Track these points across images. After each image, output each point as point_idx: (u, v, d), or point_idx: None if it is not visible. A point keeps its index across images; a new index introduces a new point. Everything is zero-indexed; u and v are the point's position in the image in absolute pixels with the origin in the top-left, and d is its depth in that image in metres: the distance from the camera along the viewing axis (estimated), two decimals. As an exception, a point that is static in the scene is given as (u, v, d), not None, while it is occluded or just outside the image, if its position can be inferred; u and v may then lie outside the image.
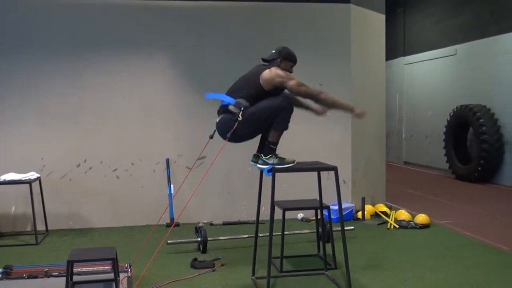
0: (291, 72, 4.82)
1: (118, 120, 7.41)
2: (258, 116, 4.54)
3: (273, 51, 4.83)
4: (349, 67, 7.89)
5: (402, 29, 15.36)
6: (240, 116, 4.49)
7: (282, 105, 4.55)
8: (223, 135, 4.71)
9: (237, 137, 4.66)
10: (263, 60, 4.85)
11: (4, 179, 6.56)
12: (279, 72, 4.61)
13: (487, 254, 5.89)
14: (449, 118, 12.21)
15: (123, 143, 7.42)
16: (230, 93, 4.73)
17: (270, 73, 4.60)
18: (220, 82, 7.58)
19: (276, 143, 4.68)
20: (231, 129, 4.53)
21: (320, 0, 7.80)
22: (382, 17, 8.69)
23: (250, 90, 4.61)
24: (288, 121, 4.67)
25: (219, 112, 4.77)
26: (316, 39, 7.85)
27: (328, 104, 4.71)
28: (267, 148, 4.67)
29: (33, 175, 6.74)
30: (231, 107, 4.58)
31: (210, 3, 7.56)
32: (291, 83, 4.60)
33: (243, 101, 4.57)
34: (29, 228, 7.20)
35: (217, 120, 4.76)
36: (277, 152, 4.71)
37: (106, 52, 7.36)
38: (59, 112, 7.27)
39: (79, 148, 7.33)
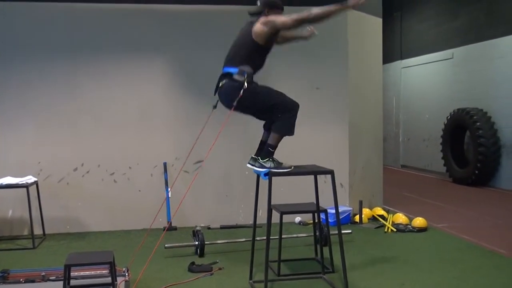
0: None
1: (115, 124, 7.41)
2: (266, 98, 4.54)
3: (258, 3, 4.76)
4: (346, 70, 7.90)
5: (399, 32, 15.39)
6: (246, 84, 4.46)
7: (292, 105, 4.56)
8: (229, 103, 4.63)
9: (243, 107, 4.60)
10: (250, 14, 4.76)
11: (1, 183, 6.55)
12: (266, 18, 4.54)
13: (484, 257, 5.90)
14: (446, 122, 12.23)
15: (121, 147, 7.42)
16: (227, 61, 4.69)
17: (260, 25, 4.55)
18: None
19: (275, 147, 4.67)
20: (236, 97, 4.46)
21: (317, 3, 7.79)
22: (379, 20, 8.71)
23: (247, 51, 4.55)
24: (293, 126, 4.65)
25: (220, 81, 4.70)
26: (313, 43, 7.80)
27: (323, 17, 4.55)
28: (265, 151, 4.66)
29: (30, 179, 6.73)
30: (235, 76, 4.54)
31: (208, 6, 7.57)
32: (282, 19, 4.50)
33: (246, 68, 4.53)
34: (26, 232, 7.18)
35: (219, 87, 4.68)
36: (275, 154, 4.72)
37: (103, 55, 7.36)
38: (56, 116, 7.27)
39: (76, 152, 7.32)
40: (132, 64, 7.43)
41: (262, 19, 4.58)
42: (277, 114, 4.56)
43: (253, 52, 4.52)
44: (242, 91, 4.46)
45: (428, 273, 5.32)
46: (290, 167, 4.68)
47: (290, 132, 4.68)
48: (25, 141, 7.21)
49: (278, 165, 4.64)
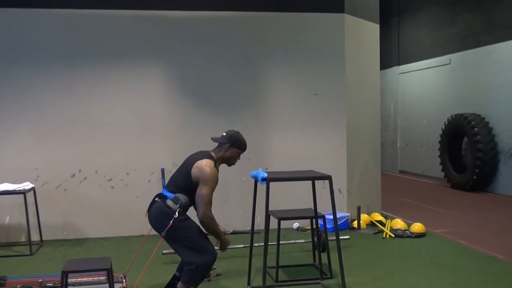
0: (238, 159, 4.66)
1: (112, 130, 7.40)
2: (185, 236, 4.30)
3: (224, 133, 4.62)
4: (344, 76, 7.91)
5: (396, 38, 15.43)
6: (177, 213, 4.26)
7: (202, 259, 4.25)
8: (157, 228, 4.38)
9: (169, 237, 4.32)
10: (212, 139, 4.63)
11: (-1, 190, 6.55)
12: (202, 175, 4.32)
13: (483, 263, 5.90)
14: (443, 127, 12.25)
15: (118, 153, 7.41)
16: (168, 184, 4.51)
17: (196, 171, 4.33)
18: (214, 92, 7.67)
19: None
20: (166, 226, 4.25)
21: (314, 9, 7.84)
22: (376, 26, 8.74)
23: (187, 182, 4.35)
24: (196, 281, 4.33)
25: (154, 200, 4.46)
26: (310, 49, 7.88)
27: (209, 230, 4.42)
28: None
29: (27, 185, 6.72)
30: (168, 202, 4.33)
31: (204, 13, 7.58)
32: (204, 193, 4.30)
33: (182, 197, 4.35)
34: (23, 239, 7.16)
35: (150, 207, 4.45)
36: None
37: (100, 62, 7.36)
38: (53, 122, 7.26)
39: (74, 158, 7.31)
40: (129, 70, 7.43)
41: (206, 166, 4.35)
42: (187, 259, 4.32)
43: (192, 187, 4.35)
44: (172, 220, 4.24)
45: (426, 278, 5.31)
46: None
47: (196, 282, 4.35)
48: (23, 148, 7.19)
49: None
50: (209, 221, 4.34)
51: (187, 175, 4.37)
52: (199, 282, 4.39)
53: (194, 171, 4.34)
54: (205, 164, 4.34)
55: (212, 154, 4.52)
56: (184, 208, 4.38)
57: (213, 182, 4.35)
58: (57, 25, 7.25)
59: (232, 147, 4.55)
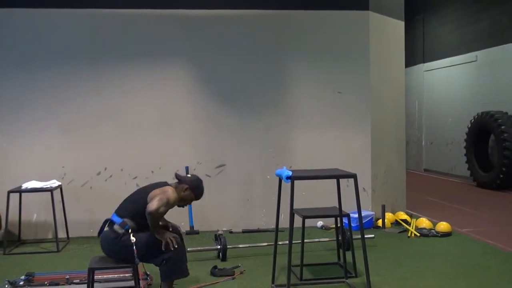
0: (189, 204, 4.70)
1: (137, 129, 7.47)
2: (140, 243, 4.29)
3: (189, 175, 4.70)
4: (368, 74, 7.86)
5: (421, 35, 15.28)
6: (122, 237, 4.26)
7: (171, 252, 4.30)
8: (108, 253, 4.39)
9: (144, 256, 4.34)
10: (176, 175, 4.64)
11: (26, 187, 6.65)
12: (164, 196, 4.33)
13: (510, 263, 5.81)
14: (469, 125, 12.10)
15: (143, 151, 7.46)
16: (117, 209, 4.51)
17: (160, 190, 4.40)
18: (238, 90, 7.68)
19: None
20: (113, 248, 4.29)
21: (339, 7, 7.80)
22: (401, 24, 8.65)
23: (138, 209, 4.35)
24: (180, 268, 4.42)
25: (104, 224, 4.49)
26: (335, 46, 7.84)
27: (151, 224, 4.32)
28: None
29: (54, 183, 6.82)
30: (115, 227, 4.33)
31: (228, 11, 7.59)
32: (157, 204, 4.26)
33: (129, 222, 4.33)
34: (50, 236, 7.27)
35: (101, 231, 4.47)
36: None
37: (125, 61, 7.42)
38: (80, 121, 7.35)
39: (100, 156, 7.38)
40: (154, 69, 7.48)
41: (168, 188, 4.43)
42: (157, 262, 4.35)
43: (142, 214, 4.31)
44: (134, 246, 4.22)
45: (452, 278, 5.25)
46: None
47: (174, 276, 4.44)
48: (50, 146, 7.30)
49: None
50: (159, 216, 4.32)
51: (142, 199, 4.36)
52: (178, 274, 4.42)
53: (153, 192, 4.36)
54: (168, 190, 4.41)
55: (171, 186, 4.52)
56: (129, 232, 4.32)
57: (172, 201, 4.36)
58: (83, 25, 7.33)
59: (189, 190, 4.53)
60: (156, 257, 4.32)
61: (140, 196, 4.44)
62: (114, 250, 4.33)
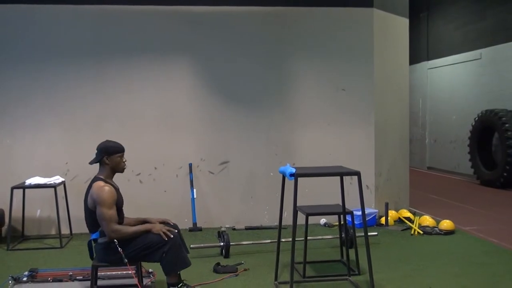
0: (124, 160, 4.54)
1: (141, 125, 7.47)
2: (143, 247, 4.27)
3: (96, 151, 4.53)
4: (372, 72, 7.84)
5: (425, 33, 15.24)
6: (110, 244, 4.21)
7: (168, 244, 4.25)
8: (108, 262, 4.37)
9: (129, 257, 4.25)
10: (90, 163, 4.55)
11: (30, 183, 6.65)
12: (101, 209, 4.21)
13: (514, 261, 5.81)
14: (473, 123, 12.07)
15: (146, 148, 7.47)
16: (88, 226, 4.44)
17: (91, 199, 4.29)
18: (241, 87, 7.67)
19: (176, 283, 4.44)
20: (113, 256, 4.24)
21: (343, 4, 7.78)
22: (406, 21, 8.63)
23: (91, 217, 4.30)
24: (182, 257, 4.35)
25: (89, 246, 4.48)
26: (339, 44, 7.83)
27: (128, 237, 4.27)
28: None
29: (58, 179, 6.82)
30: (99, 240, 4.29)
31: (230, 8, 7.58)
32: (107, 216, 4.19)
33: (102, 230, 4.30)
34: (53, 232, 7.28)
35: (93, 252, 4.45)
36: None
37: (128, 58, 7.42)
38: (83, 117, 7.36)
39: (103, 153, 7.37)
40: (157, 66, 7.48)
41: (96, 194, 4.27)
42: (157, 258, 4.30)
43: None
44: (118, 248, 4.19)
45: (455, 276, 5.24)
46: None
47: (177, 267, 4.38)
48: (53, 142, 7.31)
49: None
50: (118, 235, 4.21)
51: (89, 212, 4.31)
52: (180, 265, 4.38)
53: (90, 202, 4.30)
54: (94, 190, 4.28)
55: (100, 176, 4.43)
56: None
57: (107, 199, 4.23)
58: (86, 21, 7.33)
59: (110, 156, 4.44)
60: (156, 253, 4.30)
61: (87, 210, 4.34)
62: (108, 257, 4.30)
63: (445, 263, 5.73)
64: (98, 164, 4.55)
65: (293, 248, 4.59)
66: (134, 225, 4.45)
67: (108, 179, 4.46)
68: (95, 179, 4.41)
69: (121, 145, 4.55)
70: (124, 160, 4.54)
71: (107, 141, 4.56)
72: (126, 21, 7.39)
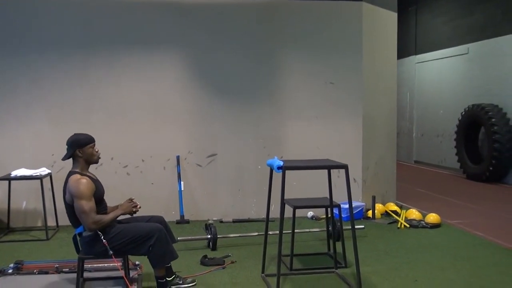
0: (96, 151, 4.47)
1: (128, 117, 7.43)
2: (131, 239, 4.27)
3: (66, 146, 4.39)
4: (360, 65, 7.85)
5: (413, 27, 15.28)
6: (99, 232, 4.18)
7: (150, 231, 4.28)
8: (98, 255, 4.35)
9: (115, 250, 4.23)
10: (63, 159, 4.46)
11: (16, 175, 6.60)
12: (80, 203, 4.14)
13: (499, 254, 5.85)
14: (460, 117, 12.14)
15: (134, 140, 7.43)
16: (71, 222, 4.41)
17: (69, 193, 4.22)
18: (230, 80, 7.65)
19: (163, 276, 4.45)
20: (101, 247, 4.19)
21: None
22: (394, 15, 8.64)
23: (72, 213, 4.26)
24: (169, 250, 4.37)
25: (74, 241, 4.43)
26: (327, 37, 7.82)
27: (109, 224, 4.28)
28: (158, 285, 4.45)
29: (44, 171, 6.77)
30: (84, 234, 4.26)
31: (221, 0, 7.54)
32: (86, 209, 4.14)
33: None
34: (39, 224, 7.24)
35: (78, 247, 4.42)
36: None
37: (116, 49, 7.36)
38: (70, 109, 7.30)
39: (90, 145, 7.33)
40: (147, 59, 7.43)
41: (74, 188, 4.18)
42: (144, 250, 4.31)
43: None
44: (103, 240, 4.17)
45: (441, 269, 5.28)
46: (193, 281, 4.83)
47: (164, 260, 4.40)
48: (39, 134, 7.25)
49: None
50: (99, 225, 4.18)
51: (69, 207, 4.27)
52: (168, 257, 4.39)
53: (67, 197, 4.26)
54: (71, 183, 4.22)
55: (75, 170, 4.37)
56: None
57: (85, 191, 4.17)
58: (74, 13, 7.26)
59: (81, 149, 4.36)
60: (143, 247, 4.28)
61: (68, 208, 4.30)
62: (94, 249, 4.27)
63: (431, 256, 5.77)
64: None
65: (280, 241, 4.60)
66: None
67: (84, 171, 4.39)
68: (71, 173, 4.33)
69: (90, 135, 4.50)
70: (96, 150, 4.48)
71: (75, 134, 4.47)
72: (115, 13, 7.33)
